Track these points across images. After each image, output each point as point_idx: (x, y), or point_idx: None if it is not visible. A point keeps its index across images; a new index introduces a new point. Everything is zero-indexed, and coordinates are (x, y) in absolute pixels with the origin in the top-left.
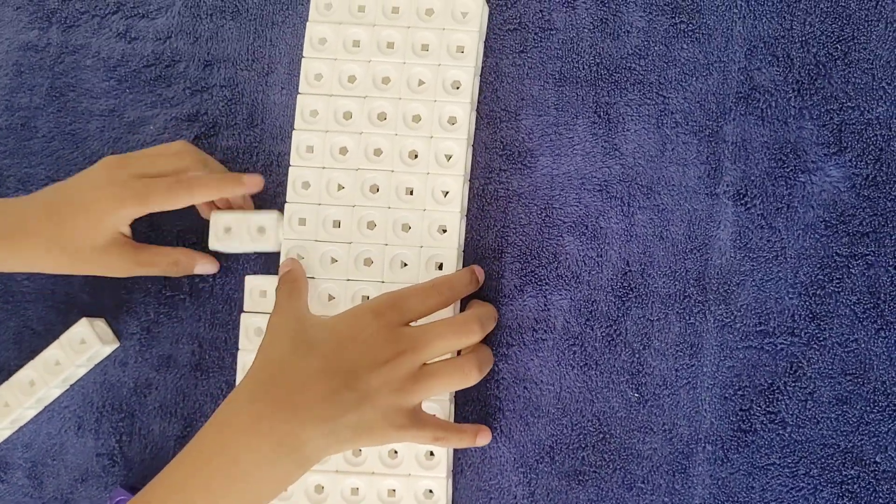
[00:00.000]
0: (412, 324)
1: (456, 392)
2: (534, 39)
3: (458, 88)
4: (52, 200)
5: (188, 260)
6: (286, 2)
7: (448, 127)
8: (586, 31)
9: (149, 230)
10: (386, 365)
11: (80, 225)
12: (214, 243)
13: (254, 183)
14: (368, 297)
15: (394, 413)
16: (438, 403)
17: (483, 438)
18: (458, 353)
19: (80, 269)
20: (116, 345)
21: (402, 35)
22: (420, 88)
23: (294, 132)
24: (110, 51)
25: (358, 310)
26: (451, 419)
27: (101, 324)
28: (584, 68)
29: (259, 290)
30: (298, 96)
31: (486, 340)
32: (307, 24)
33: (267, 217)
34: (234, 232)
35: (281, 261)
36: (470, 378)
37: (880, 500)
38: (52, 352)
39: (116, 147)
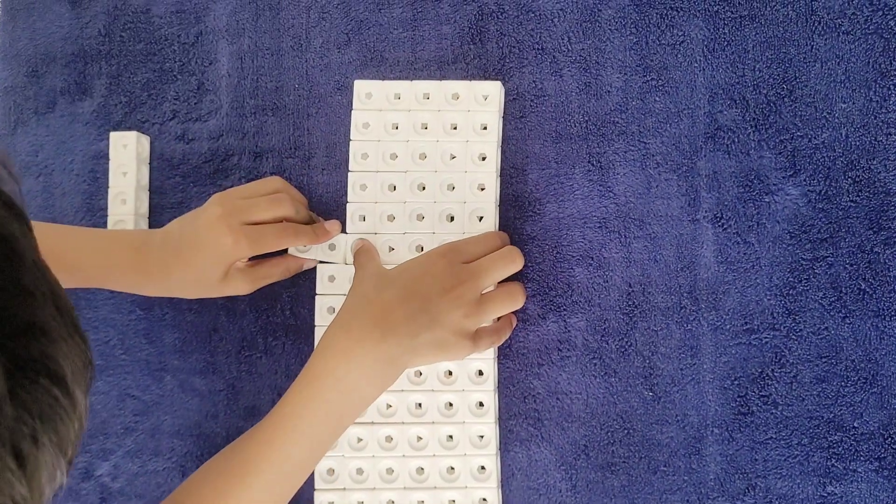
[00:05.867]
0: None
1: (501, 408)
2: (530, 106)
3: (484, 160)
4: (182, 244)
5: (295, 263)
6: (318, 96)
7: (478, 193)
8: (574, 94)
9: None
10: (452, 292)
11: (207, 266)
12: (294, 252)
13: (336, 229)
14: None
15: (461, 331)
16: (485, 362)
17: (514, 320)
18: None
19: (212, 295)
20: None
21: (434, 117)
22: (452, 161)
23: (348, 204)
24: (172, 152)
25: (426, 254)
26: (495, 378)
27: None
28: (575, 126)
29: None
30: (349, 173)
31: (521, 358)
32: (352, 112)
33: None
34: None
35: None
36: (518, 300)
37: (862, 458)
38: None
39: None
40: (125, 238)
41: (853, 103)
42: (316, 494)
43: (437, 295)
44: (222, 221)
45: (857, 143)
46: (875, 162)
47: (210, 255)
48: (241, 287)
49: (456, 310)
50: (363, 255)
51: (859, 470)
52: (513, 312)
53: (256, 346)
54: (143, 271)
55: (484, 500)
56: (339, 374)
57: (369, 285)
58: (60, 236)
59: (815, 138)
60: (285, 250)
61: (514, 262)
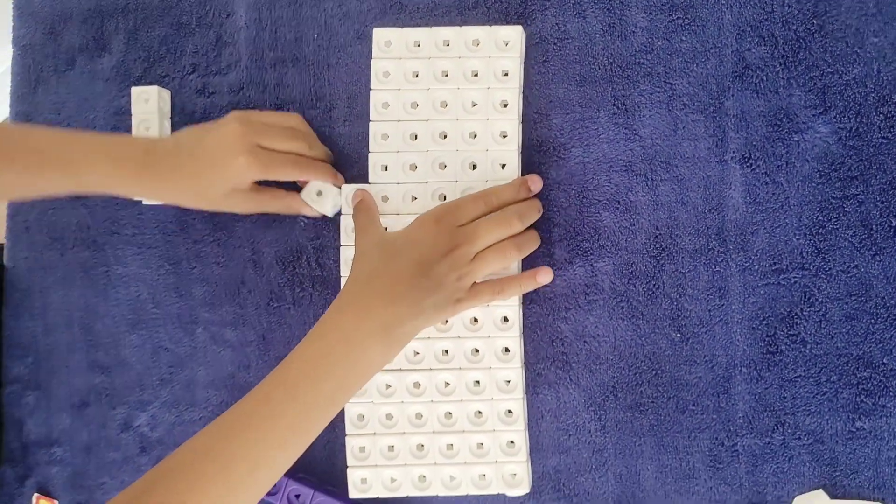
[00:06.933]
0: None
1: (528, 350)
2: (553, 49)
3: (505, 106)
4: (194, 154)
5: (297, 205)
6: (337, 46)
7: (500, 140)
8: (598, 35)
9: None
10: (449, 255)
11: (215, 180)
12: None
13: (341, 178)
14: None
15: (458, 291)
16: (510, 308)
17: (544, 276)
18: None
19: (211, 208)
20: None
21: (454, 64)
22: (474, 109)
23: (370, 154)
24: (193, 106)
25: (422, 218)
26: (520, 324)
27: None
28: (599, 68)
29: None
30: (370, 123)
31: (548, 303)
32: (372, 60)
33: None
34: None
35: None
36: (509, 257)
37: (891, 394)
38: None
39: None
40: (134, 142)
41: (885, 37)
42: (347, 439)
43: (436, 259)
44: (239, 140)
45: (889, 78)
46: None
47: (220, 171)
48: (240, 206)
49: (452, 272)
50: (363, 215)
51: (888, 405)
52: (541, 261)
53: (284, 297)
54: (151, 175)
55: (511, 442)
56: (348, 332)
57: (375, 256)
58: (67, 142)
59: (845, 74)
60: (293, 186)
61: (509, 225)
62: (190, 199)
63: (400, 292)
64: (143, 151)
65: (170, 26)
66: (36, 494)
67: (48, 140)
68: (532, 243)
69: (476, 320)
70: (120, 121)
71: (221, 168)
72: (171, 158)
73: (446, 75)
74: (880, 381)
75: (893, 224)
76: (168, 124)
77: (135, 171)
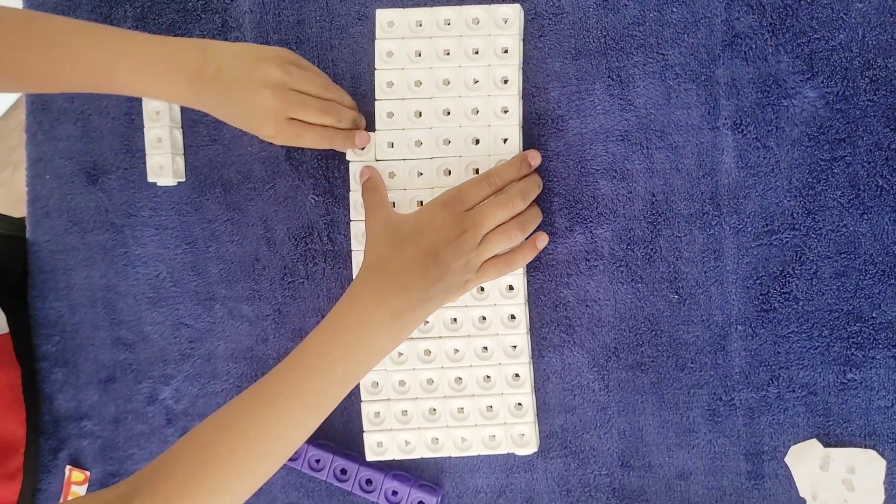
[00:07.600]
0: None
1: (533, 316)
2: (549, 24)
3: (506, 83)
4: (230, 101)
5: (332, 143)
6: (339, 27)
7: (502, 115)
8: (591, 9)
9: None
10: (456, 240)
11: (246, 127)
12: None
13: (364, 143)
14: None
15: (466, 273)
16: (515, 277)
17: (542, 241)
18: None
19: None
20: None
21: (455, 43)
22: (475, 86)
23: (376, 132)
24: None
25: (430, 205)
26: (525, 292)
27: None
28: (594, 41)
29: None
30: (376, 102)
31: (551, 270)
32: (375, 41)
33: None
34: None
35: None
36: (514, 238)
37: (880, 346)
38: None
39: (224, 171)
40: (183, 62)
41: (869, 2)
42: (363, 406)
43: (444, 245)
44: (270, 113)
45: (874, 42)
46: (892, 60)
47: (249, 124)
48: (273, 139)
49: (461, 257)
50: (370, 194)
51: (878, 357)
52: (543, 229)
53: (298, 272)
54: (194, 101)
55: (519, 404)
56: (362, 316)
57: (385, 242)
58: (105, 42)
59: (832, 39)
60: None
61: (513, 206)
62: (222, 116)
63: (410, 280)
64: (191, 77)
65: (176, 12)
66: (69, 466)
67: (83, 35)
68: (535, 220)
69: (483, 290)
70: (131, 106)
71: (250, 124)
72: (211, 92)
73: (448, 54)
74: (869, 334)
75: (880, 184)
76: (178, 109)
77: (183, 97)
